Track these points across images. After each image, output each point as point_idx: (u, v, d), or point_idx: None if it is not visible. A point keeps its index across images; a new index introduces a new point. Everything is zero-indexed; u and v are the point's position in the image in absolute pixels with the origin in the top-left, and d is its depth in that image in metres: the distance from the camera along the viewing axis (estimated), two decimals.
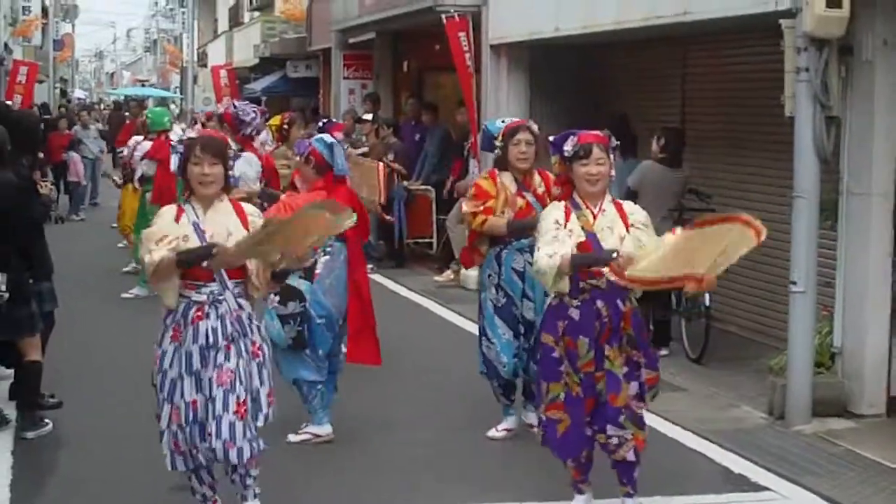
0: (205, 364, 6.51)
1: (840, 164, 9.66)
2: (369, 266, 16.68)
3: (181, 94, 61.47)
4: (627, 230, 6.88)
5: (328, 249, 8.72)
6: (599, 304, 6.86)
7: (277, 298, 8.52)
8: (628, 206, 7.06)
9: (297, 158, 9.02)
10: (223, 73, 38.35)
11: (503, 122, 8.95)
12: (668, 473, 8.08)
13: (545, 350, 7.05)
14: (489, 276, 8.69)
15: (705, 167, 12.87)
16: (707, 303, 11.32)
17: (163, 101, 48.38)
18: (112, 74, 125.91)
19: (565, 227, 6.84)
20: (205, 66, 50.87)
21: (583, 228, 6.85)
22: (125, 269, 16.83)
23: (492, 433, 8.88)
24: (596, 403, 6.92)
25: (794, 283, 9.44)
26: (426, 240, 18.59)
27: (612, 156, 6.97)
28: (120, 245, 18.69)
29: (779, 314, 11.41)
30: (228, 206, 6.67)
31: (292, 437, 8.69)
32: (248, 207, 6.80)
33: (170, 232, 6.49)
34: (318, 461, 8.39)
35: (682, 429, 9.25)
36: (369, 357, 8.99)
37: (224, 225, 6.57)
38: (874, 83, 9.32)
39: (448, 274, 16.51)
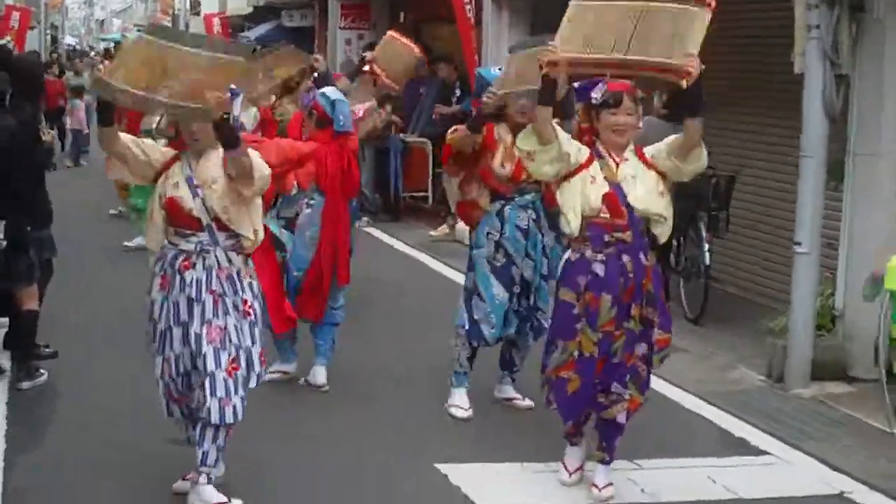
0: (191, 316, 6.39)
1: (848, 124, 9.56)
2: (364, 219, 16.79)
3: None
4: (660, 174, 6.71)
5: (311, 203, 8.71)
6: (625, 258, 6.65)
7: None
8: (649, 150, 6.78)
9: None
10: (216, 21, 38.19)
11: (500, 69, 8.43)
12: (669, 436, 8.06)
13: (563, 307, 6.78)
14: (488, 233, 8.18)
15: (709, 124, 12.69)
16: (707, 262, 11.25)
17: None
18: (102, 22, 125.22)
19: (587, 170, 6.66)
20: (197, 14, 50.56)
21: (605, 179, 6.65)
22: (111, 212, 16.80)
23: (457, 413, 8.37)
24: (606, 363, 6.74)
25: (799, 244, 9.36)
26: (422, 193, 18.53)
27: (639, 107, 6.76)
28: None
29: (778, 275, 11.37)
30: (220, 153, 6.42)
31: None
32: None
33: (155, 149, 6.56)
34: (310, 415, 8.38)
35: (681, 390, 9.18)
36: (312, 313, 8.86)
37: (209, 173, 6.42)
38: (884, 42, 9.20)
39: (443, 228, 16.41)
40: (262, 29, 34.29)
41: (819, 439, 8.23)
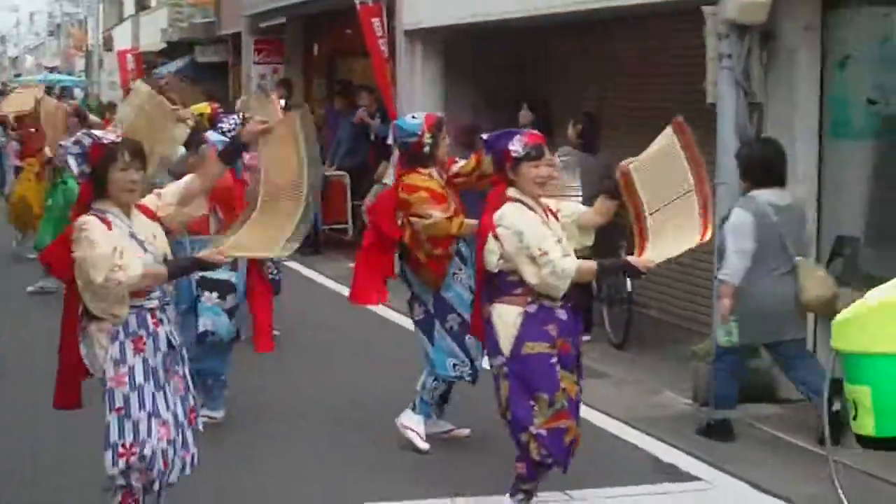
0: (167, 372, 6.14)
1: None
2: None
3: (86, 78, 60.68)
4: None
5: None
6: (572, 301, 6.71)
7: (216, 295, 8.42)
8: (552, 203, 6.85)
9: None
10: (130, 57, 37.99)
11: (414, 117, 8.50)
12: (597, 464, 7.97)
13: (540, 360, 6.57)
14: (454, 273, 8.18)
15: (626, 154, 12.80)
16: (629, 288, 11.30)
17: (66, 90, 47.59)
18: (15, 59, 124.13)
19: None
20: (110, 50, 50.28)
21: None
22: (31, 256, 16.43)
23: (418, 443, 8.34)
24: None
25: (720, 268, 9.38)
26: (341, 225, 18.49)
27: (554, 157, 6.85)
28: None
29: (702, 298, 11.42)
30: (137, 209, 6.21)
31: None
32: (148, 199, 6.26)
33: (119, 242, 5.91)
34: (234, 456, 8.25)
35: (608, 416, 9.20)
36: (268, 346, 8.70)
37: (149, 229, 6.14)
38: (795, 69, 9.32)
39: None
40: (175, 65, 34.20)
41: (745, 461, 8.27)
